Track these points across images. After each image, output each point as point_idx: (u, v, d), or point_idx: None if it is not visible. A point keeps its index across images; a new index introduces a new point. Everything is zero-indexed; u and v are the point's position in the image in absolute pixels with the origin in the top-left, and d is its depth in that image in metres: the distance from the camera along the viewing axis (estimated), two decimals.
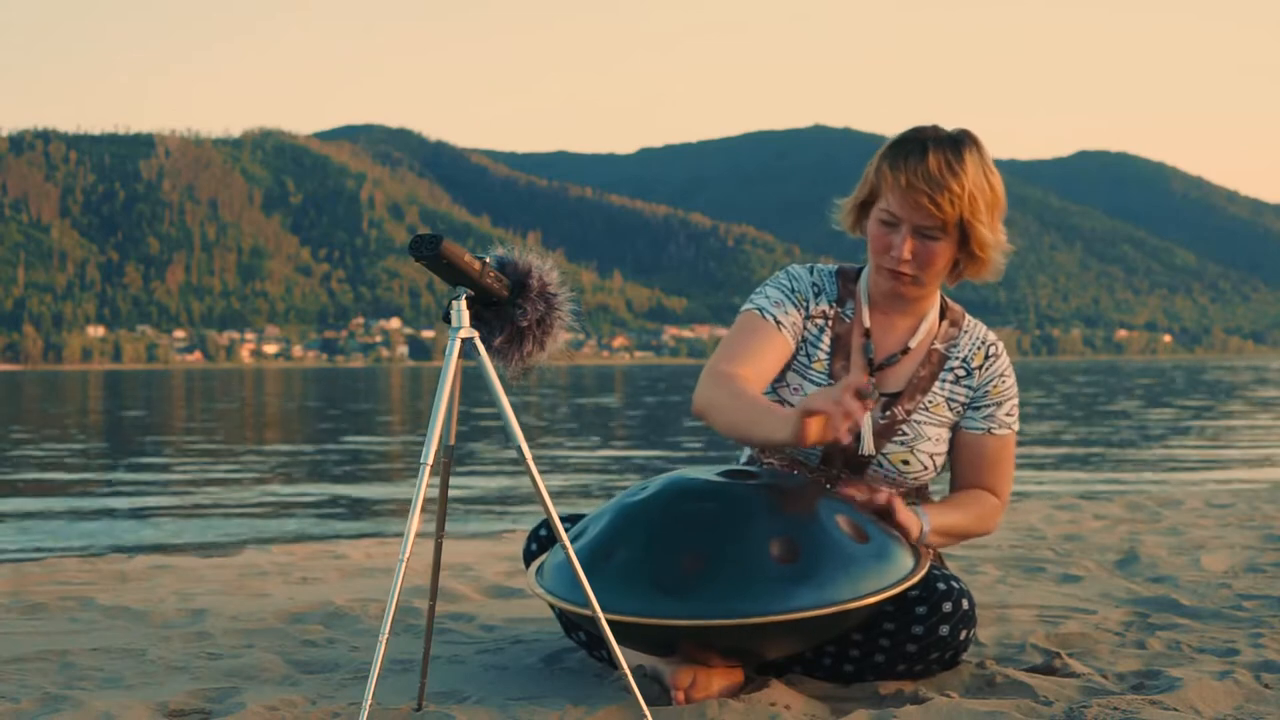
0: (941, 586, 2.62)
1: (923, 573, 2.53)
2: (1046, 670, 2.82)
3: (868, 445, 2.78)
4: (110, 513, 8.55)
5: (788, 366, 2.83)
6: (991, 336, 2.93)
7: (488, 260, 2.36)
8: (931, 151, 2.65)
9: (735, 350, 2.75)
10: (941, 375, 2.86)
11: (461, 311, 2.28)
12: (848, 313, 2.86)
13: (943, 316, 2.90)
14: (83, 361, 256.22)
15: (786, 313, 2.82)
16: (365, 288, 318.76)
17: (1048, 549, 5.04)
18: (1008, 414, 2.88)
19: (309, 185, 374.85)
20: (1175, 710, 2.47)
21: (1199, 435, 16.15)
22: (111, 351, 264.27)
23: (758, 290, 2.88)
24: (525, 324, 2.39)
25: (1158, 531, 5.58)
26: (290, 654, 3.13)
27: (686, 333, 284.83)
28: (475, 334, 2.29)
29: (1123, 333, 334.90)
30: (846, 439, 2.38)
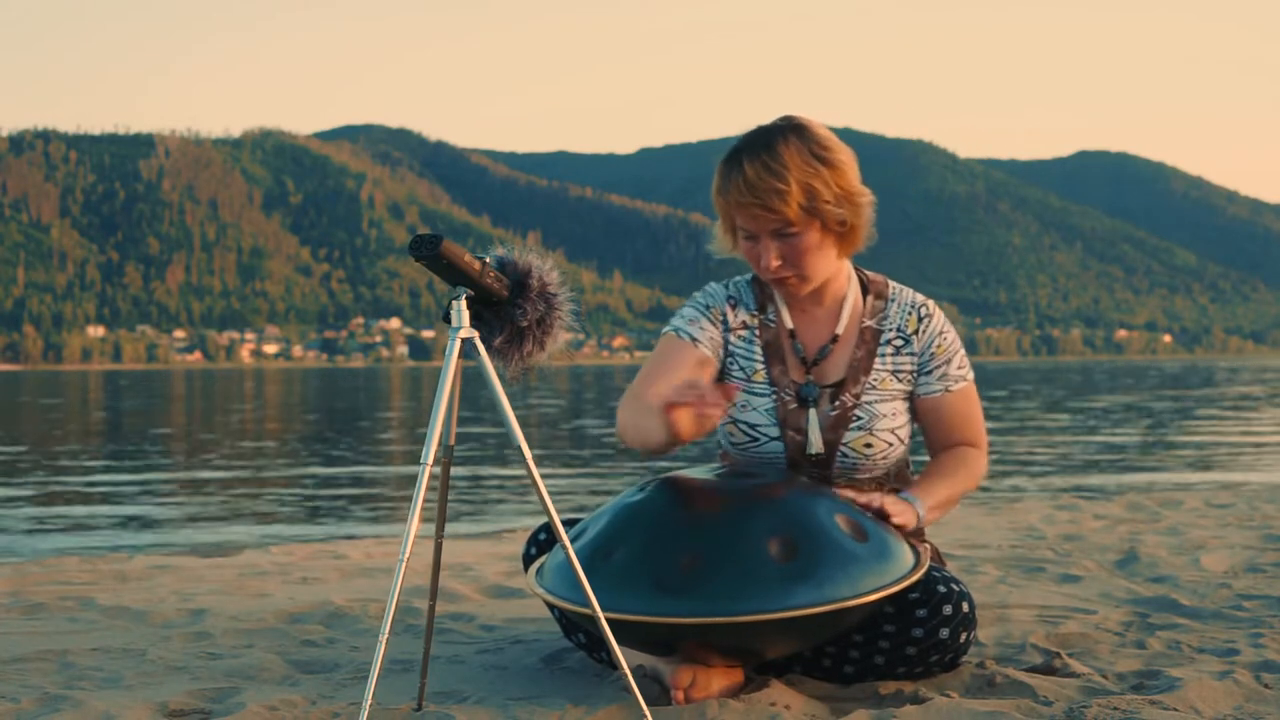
0: (942, 589, 2.62)
1: (922, 571, 2.53)
2: (1046, 670, 2.82)
3: (816, 444, 2.78)
4: (110, 512, 8.55)
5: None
6: (920, 298, 2.91)
7: (488, 260, 2.36)
8: (746, 163, 2.67)
9: (649, 372, 2.80)
10: (880, 351, 2.85)
11: (461, 311, 2.28)
12: (770, 318, 2.88)
13: (866, 292, 2.90)
14: (83, 361, 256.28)
15: (702, 328, 2.85)
16: (365, 288, 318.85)
17: (1048, 549, 5.04)
18: (958, 368, 2.87)
19: (309, 185, 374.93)
20: (1175, 710, 2.47)
21: (1196, 434, 16.16)
22: (111, 351, 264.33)
23: (676, 313, 2.92)
24: (525, 324, 2.39)
25: (1158, 531, 5.58)
26: (290, 654, 3.13)
27: None
28: (475, 334, 2.29)
29: (1123, 333, 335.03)
30: (715, 422, 2.37)
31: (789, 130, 2.70)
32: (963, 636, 2.66)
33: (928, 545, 2.87)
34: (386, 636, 2.19)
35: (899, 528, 2.64)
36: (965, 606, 2.64)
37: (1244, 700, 2.56)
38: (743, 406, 2.83)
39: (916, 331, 2.86)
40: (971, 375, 2.91)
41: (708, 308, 2.88)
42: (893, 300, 2.89)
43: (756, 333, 2.87)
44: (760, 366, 2.84)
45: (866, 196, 2.76)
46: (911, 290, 2.92)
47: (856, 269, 2.92)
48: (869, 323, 2.86)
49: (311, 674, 2.93)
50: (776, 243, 2.71)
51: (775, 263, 2.72)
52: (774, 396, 2.81)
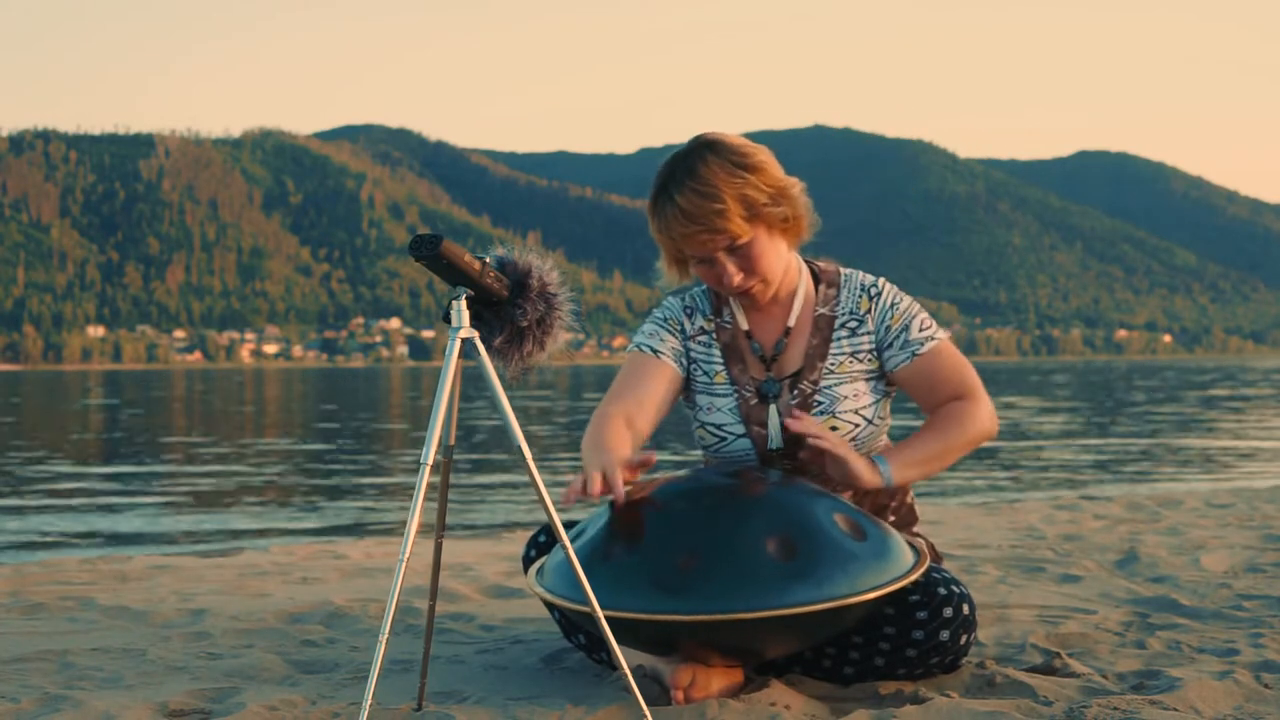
0: (942, 591, 2.62)
1: (922, 569, 2.53)
2: (1046, 670, 2.82)
3: (776, 438, 2.81)
4: (110, 513, 8.55)
5: (696, 391, 2.89)
6: (869, 279, 2.93)
7: (488, 260, 2.36)
8: (676, 195, 2.70)
9: (616, 390, 2.85)
10: (835, 336, 2.86)
11: (461, 311, 2.28)
12: (726, 321, 2.91)
13: (818, 282, 2.92)
14: (83, 361, 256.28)
15: (662, 339, 2.90)
16: (365, 288, 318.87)
17: (1048, 549, 5.04)
18: (921, 330, 2.85)
19: (309, 185, 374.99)
20: (1175, 710, 2.47)
21: (1202, 434, 16.16)
22: (111, 351, 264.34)
23: (637, 331, 2.96)
24: (525, 324, 2.39)
25: (1158, 531, 5.58)
26: (290, 654, 3.13)
27: None
28: (475, 334, 2.29)
29: (1123, 333, 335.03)
30: (581, 496, 2.47)
31: (703, 149, 2.73)
32: (963, 639, 2.66)
33: (922, 539, 2.87)
34: (386, 636, 2.19)
35: (860, 481, 2.65)
36: (965, 609, 2.64)
37: (1244, 700, 2.56)
38: (708, 409, 2.87)
39: (869, 310, 2.88)
40: (942, 334, 2.88)
41: (665, 320, 2.94)
42: (844, 286, 2.91)
43: (714, 336, 2.91)
44: (720, 368, 2.88)
45: (797, 186, 2.78)
46: (862, 273, 2.94)
47: (807, 260, 2.95)
48: (822, 310, 2.89)
49: (311, 674, 2.93)
50: (732, 259, 2.74)
51: (737, 278, 2.75)
52: (735, 395, 2.85)
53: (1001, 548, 5.09)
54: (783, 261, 2.81)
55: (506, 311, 2.39)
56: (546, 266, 2.43)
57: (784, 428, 2.79)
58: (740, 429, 2.83)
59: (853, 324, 2.87)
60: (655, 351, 2.88)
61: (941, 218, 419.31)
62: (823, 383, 2.83)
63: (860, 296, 2.89)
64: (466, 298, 2.29)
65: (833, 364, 2.84)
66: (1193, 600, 3.74)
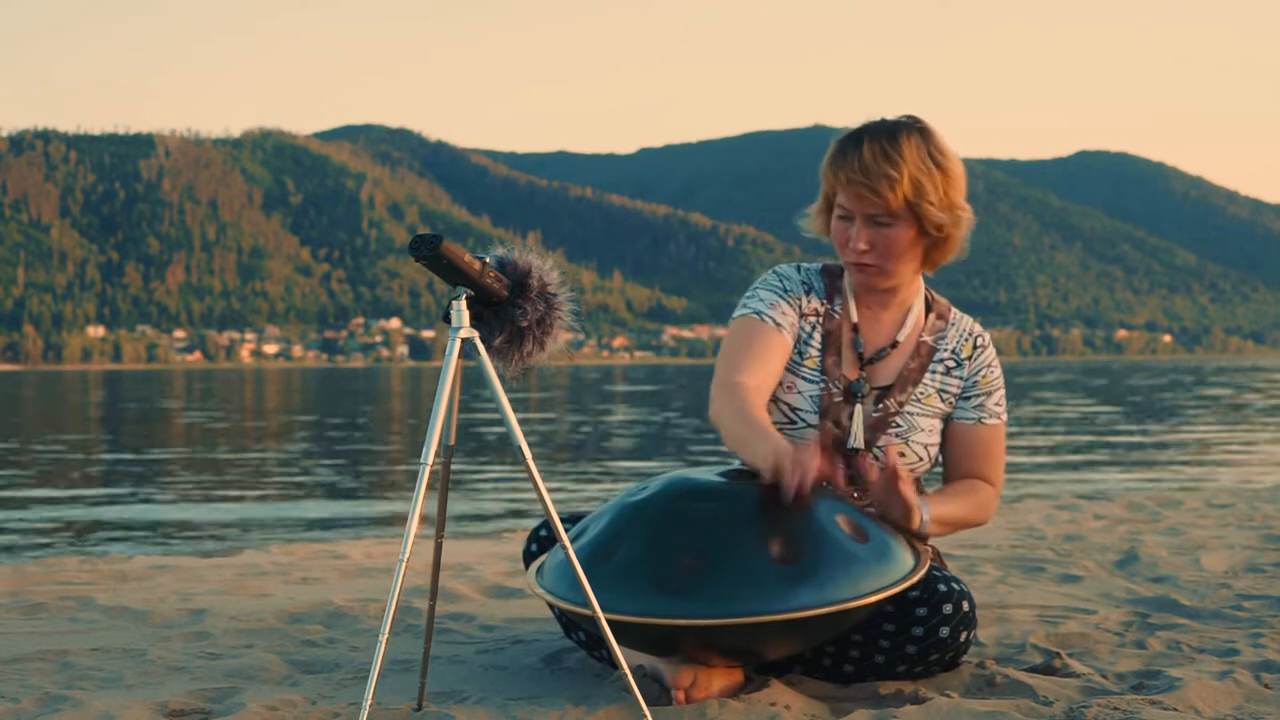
0: (942, 588, 2.62)
1: (923, 572, 2.53)
2: (1046, 670, 2.82)
3: (857, 439, 2.80)
4: (110, 511, 8.54)
5: (784, 367, 2.85)
6: (978, 329, 2.97)
7: (488, 260, 2.36)
8: (866, 144, 2.72)
9: (741, 359, 2.78)
10: (931, 367, 2.89)
11: (461, 311, 2.28)
12: (836, 309, 2.90)
13: (929, 310, 2.94)
14: (83, 362, 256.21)
15: (784, 313, 2.85)
16: (365, 288, 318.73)
17: (1048, 549, 5.04)
18: (996, 404, 2.92)
19: (309, 185, 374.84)
20: (1175, 710, 2.47)
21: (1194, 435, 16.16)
22: (111, 352, 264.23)
23: (749, 294, 2.91)
24: (525, 324, 2.39)
25: (1158, 531, 5.58)
26: (290, 654, 3.13)
27: (686, 333, 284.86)
28: (475, 334, 2.29)
29: (1123, 333, 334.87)
30: (798, 493, 2.42)
31: (914, 128, 2.76)
32: (963, 636, 2.66)
33: (929, 547, 2.87)
34: (386, 636, 2.19)
35: (903, 508, 2.65)
36: (965, 606, 2.64)
37: (1244, 700, 2.56)
38: (788, 387, 2.84)
39: (969, 357, 2.92)
40: (1005, 417, 2.95)
41: (786, 291, 2.89)
42: (953, 324, 2.95)
43: (820, 321, 2.88)
44: (815, 353, 2.86)
45: (968, 212, 2.80)
46: (972, 320, 2.98)
47: (927, 288, 2.96)
48: (926, 339, 2.91)
49: (311, 674, 2.93)
50: (869, 229, 2.74)
51: (862, 246, 2.75)
52: (821, 384, 2.83)
53: (1001, 548, 5.09)
54: (911, 267, 2.82)
55: (506, 311, 2.39)
56: (546, 266, 2.43)
57: (874, 445, 2.79)
58: (814, 418, 2.81)
59: (951, 363, 2.91)
60: (777, 324, 2.83)
61: None
62: (907, 407, 2.85)
63: (966, 340, 2.93)
64: (466, 298, 2.29)
65: (921, 392, 2.87)
66: (1193, 600, 3.74)
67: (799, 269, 2.94)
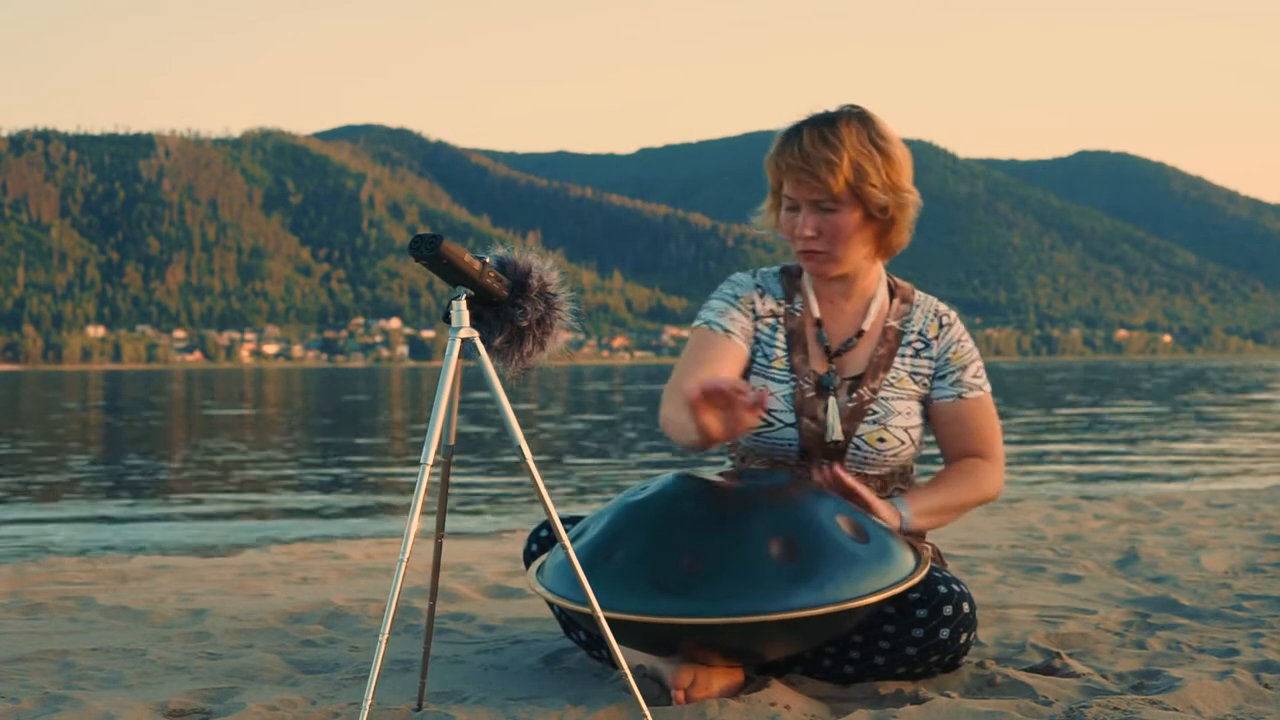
0: (943, 589, 2.62)
1: (923, 573, 2.53)
2: (1046, 670, 2.82)
3: (835, 431, 2.81)
4: (110, 512, 8.55)
5: (749, 372, 2.88)
6: (943, 307, 2.98)
7: (488, 260, 2.36)
8: (805, 131, 2.75)
9: (689, 368, 2.81)
10: (900, 350, 2.90)
11: (461, 311, 2.28)
12: (796, 308, 2.92)
13: (893, 295, 2.95)
14: (83, 361, 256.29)
15: (734, 319, 2.88)
16: (365, 288, 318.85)
17: (1048, 549, 5.04)
18: (974, 377, 2.91)
19: (309, 185, 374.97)
20: (1175, 710, 2.47)
21: (1196, 435, 16.16)
22: (111, 352, 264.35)
23: (704, 305, 2.95)
24: (525, 324, 2.39)
25: (1158, 531, 5.59)
26: (290, 654, 3.13)
27: (686, 333, 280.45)
28: (475, 334, 2.29)
29: (1123, 333, 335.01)
30: (753, 421, 2.35)
31: (853, 115, 2.78)
32: (963, 637, 2.66)
33: (929, 546, 2.87)
34: (386, 636, 2.19)
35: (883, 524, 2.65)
36: (966, 607, 2.64)
37: (1244, 700, 2.56)
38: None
39: (937, 336, 2.92)
40: (988, 388, 2.94)
41: (736, 297, 2.92)
42: (917, 306, 2.96)
43: (781, 321, 2.90)
44: (781, 353, 2.87)
45: (913, 195, 2.82)
46: (937, 300, 2.99)
47: (888, 274, 2.98)
48: (892, 323, 2.92)
49: (311, 674, 2.93)
50: (815, 215, 2.76)
51: (809, 232, 2.77)
52: (792, 383, 2.84)
53: (1001, 548, 5.09)
54: (860, 253, 2.82)
55: (506, 311, 2.38)
56: (546, 266, 2.43)
57: (853, 435, 2.80)
58: (790, 418, 2.82)
59: (919, 345, 2.91)
60: (726, 331, 2.86)
61: (941, 218, 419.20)
62: (881, 393, 2.85)
63: (931, 321, 2.94)
64: (466, 298, 2.29)
65: (893, 377, 2.87)
66: (1193, 600, 3.74)
67: (754, 274, 2.98)
